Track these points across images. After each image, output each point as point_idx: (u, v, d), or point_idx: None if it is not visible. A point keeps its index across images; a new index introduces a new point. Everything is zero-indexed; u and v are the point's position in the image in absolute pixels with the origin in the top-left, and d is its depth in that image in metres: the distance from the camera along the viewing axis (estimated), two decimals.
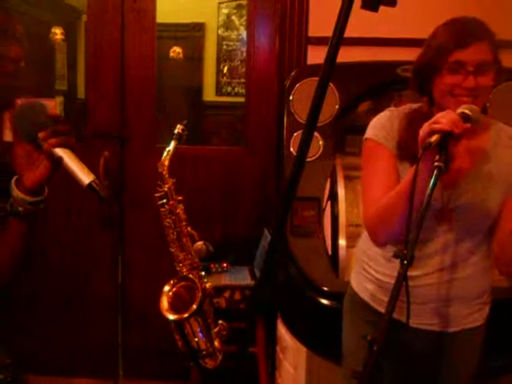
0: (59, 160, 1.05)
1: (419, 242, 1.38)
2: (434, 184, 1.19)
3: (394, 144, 1.52)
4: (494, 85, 1.46)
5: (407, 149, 1.40)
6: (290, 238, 2.34)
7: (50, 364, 3.03)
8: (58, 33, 4.28)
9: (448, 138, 1.23)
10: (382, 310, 1.59)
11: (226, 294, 2.52)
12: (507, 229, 1.45)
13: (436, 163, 1.20)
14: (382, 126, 1.57)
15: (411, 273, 1.30)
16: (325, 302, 2.15)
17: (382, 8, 2.52)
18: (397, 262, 1.51)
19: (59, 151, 1.05)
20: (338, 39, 0.81)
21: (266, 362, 2.66)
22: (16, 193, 1.09)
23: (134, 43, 2.89)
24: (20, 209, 1.10)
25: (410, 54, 2.49)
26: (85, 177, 1.04)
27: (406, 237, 1.15)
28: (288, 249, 2.33)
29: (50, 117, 1.06)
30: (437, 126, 1.24)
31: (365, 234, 1.67)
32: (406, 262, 1.12)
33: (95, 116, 2.96)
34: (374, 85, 2.48)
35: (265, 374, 2.64)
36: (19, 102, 1.05)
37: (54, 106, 3.07)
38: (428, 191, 1.18)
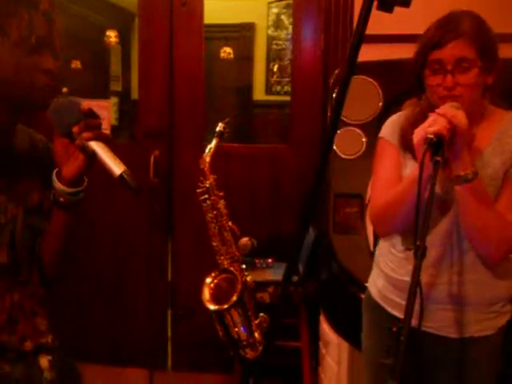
0: (92, 153, 1.10)
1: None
2: (435, 178, 1.24)
3: (398, 139, 1.59)
4: (490, 81, 1.47)
5: (408, 142, 1.44)
6: (333, 235, 2.36)
7: (102, 354, 3.16)
8: (112, 36, 4.43)
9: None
10: (389, 309, 1.61)
11: (270, 289, 2.56)
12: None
13: (435, 158, 1.25)
14: (390, 123, 1.65)
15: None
16: None
17: (426, 4, 2.50)
18: (407, 259, 1.53)
19: (93, 144, 1.10)
20: (359, 40, 0.83)
21: (309, 358, 2.69)
22: (57, 184, 1.16)
23: (182, 45, 2.98)
24: (61, 199, 1.17)
25: None
26: (116, 168, 1.07)
27: (415, 230, 1.18)
28: (330, 245, 2.36)
29: (82, 111, 1.11)
30: (431, 130, 1.30)
31: None
32: (419, 252, 1.14)
33: (146, 116, 3.07)
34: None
35: (308, 369, 2.68)
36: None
37: (108, 106, 3.19)
38: (429, 186, 1.23)
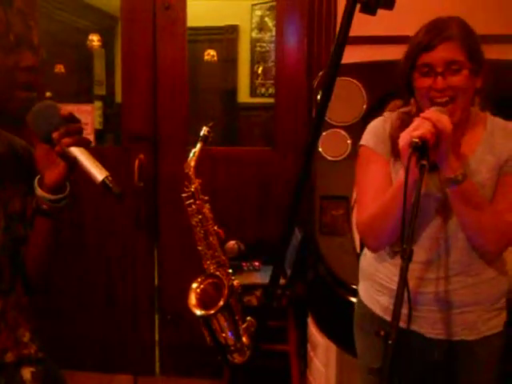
0: (73, 160, 1.08)
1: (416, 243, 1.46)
2: (421, 182, 1.24)
3: (385, 148, 1.56)
4: (479, 84, 1.48)
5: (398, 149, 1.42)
6: (319, 237, 2.36)
7: (90, 360, 3.14)
8: (95, 40, 4.40)
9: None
10: (382, 314, 1.59)
11: (258, 293, 2.56)
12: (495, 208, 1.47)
13: (420, 162, 1.25)
14: (374, 131, 1.61)
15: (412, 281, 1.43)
16: (354, 300, 2.16)
17: (410, 6, 2.51)
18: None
19: (73, 150, 1.07)
20: (343, 42, 0.83)
21: (297, 360, 2.69)
22: (39, 191, 1.14)
23: (166, 49, 2.97)
24: (44, 206, 1.14)
25: None
26: (98, 174, 1.05)
27: (401, 233, 1.18)
28: (317, 247, 2.36)
29: (62, 116, 1.08)
30: (415, 134, 1.29)
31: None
32: (406, 256, 1.14)
33: (130, 120, 3.05)
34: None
35: (297, 372, 2.67)
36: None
37: (92, 111, 3.17)
38: (415, 191, 1.22)
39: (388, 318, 1.56)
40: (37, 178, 1.15)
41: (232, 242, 2.74)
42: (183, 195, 1.71)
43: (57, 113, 1.09)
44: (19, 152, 1.26)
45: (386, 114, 1.63)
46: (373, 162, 1.57)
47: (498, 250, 1.50)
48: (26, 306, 1.27)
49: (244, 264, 2.73)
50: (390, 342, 1.07)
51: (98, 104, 4.60)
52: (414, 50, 1.46)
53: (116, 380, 3.11)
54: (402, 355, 1.14)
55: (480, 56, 1.47)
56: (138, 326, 3.13)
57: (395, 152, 1.50)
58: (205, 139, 1.75)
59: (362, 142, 1.62)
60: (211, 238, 1.72)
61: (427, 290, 1.51)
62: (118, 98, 5.27)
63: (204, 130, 1.76)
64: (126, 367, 3.09)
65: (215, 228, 1.73)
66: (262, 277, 2.66)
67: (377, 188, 1.53)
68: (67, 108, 1.11)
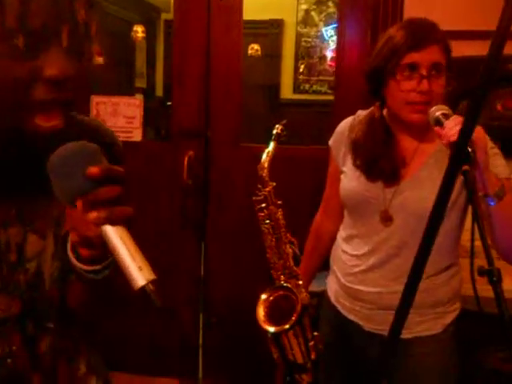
0: (103, 245, 0.73)
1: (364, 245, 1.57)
2: (473, 191, 1.19)
3: (342, 152, 1.62)
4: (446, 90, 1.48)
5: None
6: None
7: (132, 362, 3.03)
8: (139, 31, 4.31)
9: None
10: (344, 313, 1.67)
11: (314, 301, 2.40)
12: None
13: (462, 168, 1.14)
14: (339, 132, 1.67)
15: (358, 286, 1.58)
16: None
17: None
18: (352, 261, 1.62)
19: (108, 231, 0.72)
20: (505, 31, 0.69)
21: None
22: (73, 261, 0.81)
23: (219, 41, 2.82)
24: (81, 275, 0.83)
25: None
26: (139, 277, 0.72)
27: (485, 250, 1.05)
28: None
29: (89, 176, 0.71)
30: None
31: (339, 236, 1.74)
32: (495, 278, 1.00)
33: (180, 114, 2.92)
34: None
35: None
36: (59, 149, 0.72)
37: (140, 104, 3.05)
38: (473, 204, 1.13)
39: (338, 305, 1.74)
40: (69, 243, 0.81)
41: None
42: (254, 198, 1.58)
43: (88, 164, 0.71)
44: None
45: (359, 112, 1.67)
46: (330, 167, 1.74)
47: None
48: (76, 335, 1.07)
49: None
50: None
51: (139, 97, 4.52)
52: (402, 48, 1.41)
53: (158, 383, 3.00)
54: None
55: (453, 65, 1.47)
56: (181, 328, 3.01)
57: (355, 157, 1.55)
58: (278, 138, 1.62)
59: (329, 142, 1.72)
60: (283, 247, 1.59)
61: (368, 289, 1.57)
62: (159, 91, 5.20)
63: (277, 129, 1.64)
64: (169, 370, 2.98)
65: (288, 236, 1.59)
66: (318, 284, 2.50)
67: (325, 198, 1.85)
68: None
